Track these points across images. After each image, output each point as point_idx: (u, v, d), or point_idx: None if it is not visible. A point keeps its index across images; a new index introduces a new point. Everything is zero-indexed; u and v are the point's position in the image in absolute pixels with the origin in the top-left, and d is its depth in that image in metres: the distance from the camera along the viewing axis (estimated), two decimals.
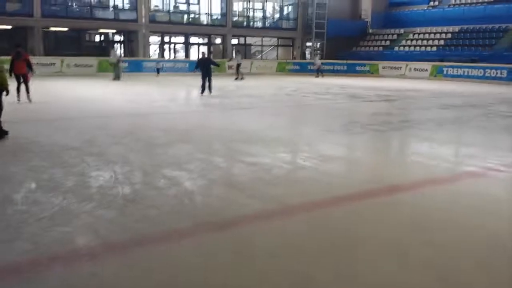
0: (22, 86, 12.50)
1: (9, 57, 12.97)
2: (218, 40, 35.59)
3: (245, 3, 35.24)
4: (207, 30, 33.87)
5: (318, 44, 37.32)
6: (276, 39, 37.20)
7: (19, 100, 12.14)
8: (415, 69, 30.32)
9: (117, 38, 32.75)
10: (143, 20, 30.02)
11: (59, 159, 6.34)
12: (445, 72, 28.87)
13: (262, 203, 4.69)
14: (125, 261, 3.43)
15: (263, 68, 33.37)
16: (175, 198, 4.78)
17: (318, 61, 30.97)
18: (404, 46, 33.74)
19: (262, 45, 37.16)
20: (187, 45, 34.37)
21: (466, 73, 27.78)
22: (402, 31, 35.06)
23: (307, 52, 37.73)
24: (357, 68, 32.91)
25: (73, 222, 4.07)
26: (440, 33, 32.62)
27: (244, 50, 36.26)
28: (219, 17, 34.06)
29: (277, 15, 37.43)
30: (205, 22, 33.63)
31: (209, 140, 8.14)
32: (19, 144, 7.30)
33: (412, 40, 33.78)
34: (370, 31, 37.43)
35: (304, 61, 35.42)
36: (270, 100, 15.85)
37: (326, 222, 4.27)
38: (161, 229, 4.00)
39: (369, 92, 19.05)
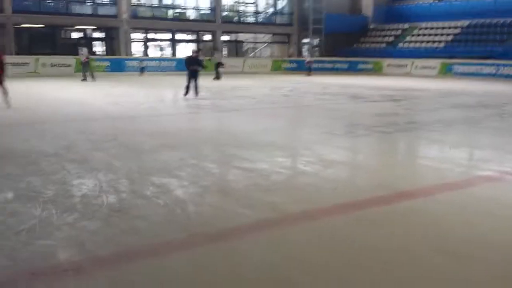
0: None
1: None
2: (207, 37, 35.64)
3: None
4: (195, 26, 33.94)
5: (316, 40, 37.52)
6: (270, 35, 37.30)
7: None
8: (422, 67, 30.54)
9: (97, 35, 32.73)
10: (124, 15, 30.04)
11: (37, 166, 6.31)
12: (454, 70, 29.09)
13: (259, 211, 4.69)
14: (111, 276, 3.42)
15: (256, 66, 33.47)
16: (164, 208, 4.77)
17: (308, 58, 31.33)
18: (409, 42, 33.96)
19: (255, 42, 37.27)
20: (173, 42, 34.42)
21: (477, 71, 28.01)
22: (406, 26, 35.29)
23: (304, 49, 37.88)
24: (360, 66, 33.07)
25: (54, 235, 4.05)
26: (448, 28, 32.85)
27: (236, 48, 36.36)
28: (208, 12, 34.14)
29: (271, 10, 37.55)
30: (192, 18, 33.69)
31: (201, 145, 8.14)
32: None
33: (418, 35, 34.00)
34: (372, 26, 37.64)
35: (301, 58, 35.61)
36: (266, 101, 15.89)
37: (330, 232, 4.27)
38: (150, 241, 3.98)
39: (372, 91, 19.16)
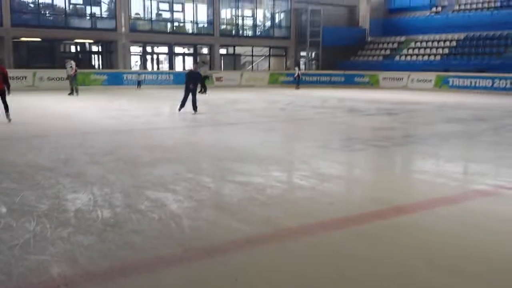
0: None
1: None
2: (205, 50, 35.80)
3: (234, 10, 35.53)
4: (193, 40, 34.09)
5: (313, 53, 37.68)
6: (267, 48, 37.47)
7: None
8: (418, 80, 30.66)
9: (95, 48, 32.83)
10: (123, 29, 30.19)
11: (32, 180, 6.30)
12: (450, 83, 29.21)
13: (256, 226, 4.68)
14: None
15: (254, 80, 33.57)
16: (160, 222, 4.75)
17: (298, 71, 31.59)
18: (405, 55, 34.12)
19: (252, 55, 37.41)
20: (171, 56, 34.53)
21: (473, 84, 28.13)
22: (403, 39, 35.49)
23: (302, 62, 38.03)
24: (356, 79, 33.20)
25: (48, 250, 4.03)
26: (444, 40, 33.04)
27: (234, 61, 36.49)
28: (206, 25, 34.34)
29: (268, 23, 37.75)
30: (190, 31, 33.86)
31: (197, 158, 8.14)
32: None
33: (414, 48, 34.18)
34: (369, 39, 37.84)
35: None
36: (263, 114, 15.93)
37: (327, 246, 4.25)
38: (145, 256, 3.97)
39: (369, 105, 19.21)
